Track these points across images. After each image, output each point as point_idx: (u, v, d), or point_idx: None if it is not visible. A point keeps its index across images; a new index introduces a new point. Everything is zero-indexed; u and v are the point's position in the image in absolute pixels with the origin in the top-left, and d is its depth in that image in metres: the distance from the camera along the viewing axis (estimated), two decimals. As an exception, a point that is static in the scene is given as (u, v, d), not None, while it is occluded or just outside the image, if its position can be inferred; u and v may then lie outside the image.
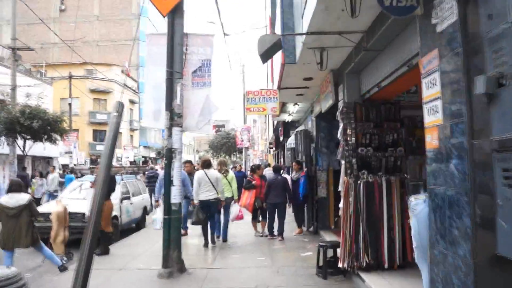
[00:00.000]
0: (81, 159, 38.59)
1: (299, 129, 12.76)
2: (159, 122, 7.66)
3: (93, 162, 45.05)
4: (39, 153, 29.41)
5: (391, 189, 6.69)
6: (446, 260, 3.43)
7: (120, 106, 4.05)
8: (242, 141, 27.51)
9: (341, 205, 6.96)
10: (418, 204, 4.00)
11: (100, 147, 46.45)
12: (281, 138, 21.71)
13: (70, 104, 34.84)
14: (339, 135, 7.22)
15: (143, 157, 55.77)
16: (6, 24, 51.67)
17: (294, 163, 11.44)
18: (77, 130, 44.25)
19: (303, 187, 10.87)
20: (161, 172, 10.88)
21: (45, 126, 22.40)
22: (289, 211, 11.94)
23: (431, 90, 3.76)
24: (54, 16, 53.74)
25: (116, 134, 3.89)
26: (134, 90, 53.20)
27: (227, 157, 46.24)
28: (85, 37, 53.35)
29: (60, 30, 52.80)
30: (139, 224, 13.81)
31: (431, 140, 3.73)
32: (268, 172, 12.22)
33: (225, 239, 10.22)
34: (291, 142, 15.13)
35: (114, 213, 10.30)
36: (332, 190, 11.32)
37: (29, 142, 23.12)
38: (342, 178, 7.02)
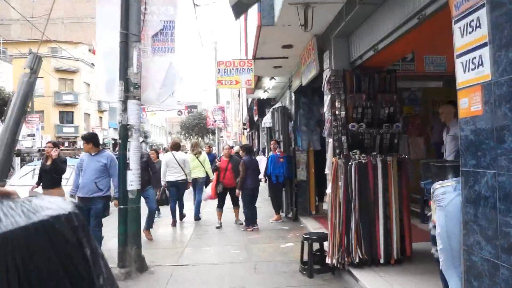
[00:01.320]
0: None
1: (276, 106, 11.66)
2: (113, 95, 6.45)
3: (60, 144, 43.11)
4: (-2, 136, 27.57)
5: (387, 171, 5.71)
6: (496, 273, 2.43)
7: (35, 60, 2.88)
8: (215, 121, 26.26)
9: (328, 190, 5.95)
10: (446, 193, 2.98)
11: (67, 129, 44.58)
12: (256, 118, 20.58)
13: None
14: (325, 109, 6.17)
15: (113, 139, 53.89)
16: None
17: (272, 142, 10.38)
18: (41, 112, 42.45)
19: (286, 169, 9.84)
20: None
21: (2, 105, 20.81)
22: (265, 195, 10.92)
23: (470, 36, 2.71)
24: (15, -10, 50.79)
25: (27, 97, 2.72)
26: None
27: (199, 138, 44.93)
28: (48, 14, 50.59)
29: (22, 6, 50.25)
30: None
31: (469, 106, 2.70)
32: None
33: (197, 218, 10.42)
34: (266, 120, 14.06)
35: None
36: (313, 172, 10.35)
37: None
38: (330, 159, 6.00)
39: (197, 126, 40.84)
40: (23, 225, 0.87)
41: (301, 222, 9.84)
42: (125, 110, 6.16)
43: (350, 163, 5.63)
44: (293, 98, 10.55)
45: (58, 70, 43.24)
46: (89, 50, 47.47)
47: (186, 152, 11.79)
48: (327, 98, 6.12)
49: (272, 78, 10.96)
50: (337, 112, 5.88)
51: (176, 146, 10.10)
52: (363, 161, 5.64)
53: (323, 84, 6.31)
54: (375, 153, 5.79)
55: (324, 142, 9.93)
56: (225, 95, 50.84)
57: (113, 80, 6.52)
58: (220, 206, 9.50)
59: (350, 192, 5.62)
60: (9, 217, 0.87)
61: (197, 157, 10.50)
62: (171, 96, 6.83)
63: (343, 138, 5.82)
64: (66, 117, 45.85)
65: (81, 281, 0.93)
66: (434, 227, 3.27)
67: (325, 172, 6.29)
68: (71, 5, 53.45)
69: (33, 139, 31.22)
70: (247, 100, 22.15)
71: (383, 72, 6.12)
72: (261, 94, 13.98)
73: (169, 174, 9.68)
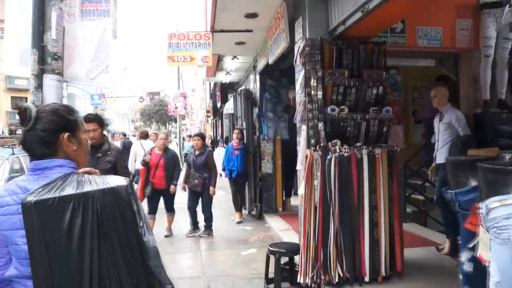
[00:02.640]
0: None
1: (239, 90, 10.35)
2: (28, 68, 5.01)
3: (12, 132, 40.54)
4: None
5: (375, 167, 4.55)
6: None
7: None
8: (176, 108, 24.66)
9: (300, 191, 4.74)
10: (510, 218, 1.79)
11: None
12: (219, 105, 19.17)
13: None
14: (297, 89, 4.93)
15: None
16: None
17: (236, 132, 9.07)
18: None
19: (239, 162, 8.55)
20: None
21: None
22: (226, 191, 9.64)
23: None
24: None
25: None
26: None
27: (161, 126, 43.14)
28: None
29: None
30: None
31: None
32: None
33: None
34: (229, 106, 12.73)
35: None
36: (279, 164, 9.15)
37: None
38: (303, 151, 4.77)
39: (158, 113, 38.95)
40: (100, 188, 1.51)
41: (266, 221, 8.65)
42: (39, 87, 4.72)
43: (329, 156, 4.43)
44: (257, 80, 9.28)
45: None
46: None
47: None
48: (299, 75, 4.88)
49: (234, 57, 9.64)
50: (312, 92, 4.65)
51: (144, 135, 10.93)
52: (345, 154, 4.45)
53: (294, 58, 5.06)
54: (359, 144, 4.61)
55: (293, 130, 8.73)
56: (190, 82, 49.11)
57: (28, 51, 5.09)
58: (152, 212, 7.27)
59: (328, 193, 4.43)
60: (93, 184, 1.52)
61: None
62: (104, 71, 5.44)
63: (320, 124, 4.60)
64: (20, 103, 43.06)
65: (129, 221, 1.55)
66: (471, 260, 2.10)
67: (297, 168, 5.07)
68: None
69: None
70: (210, 85, 20.74)
71: (370, 44, 4.92)
72: (223, 77, 12.63)
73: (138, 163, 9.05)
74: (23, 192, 1.56)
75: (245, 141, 9.07)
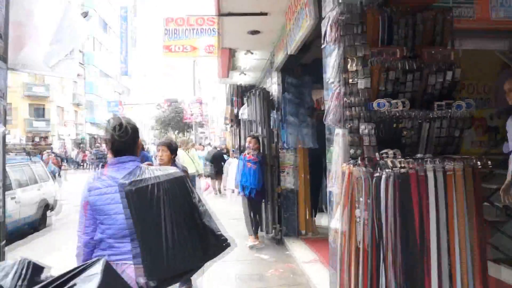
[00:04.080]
0: (16, 137, 33.84)
1: (254, 90, 8.90)
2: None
3: (30, 140, 39.99)
4: None
5: (447, 190, 3.03)
6: None
7: None
8: (192, 115, 23.42)
9: (335, 223, 3.27)
10: None
11: (38, 124, 41.42)
12: (236, 111, 17.72)
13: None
14: (328, 75, 3.46)
15: (89, 134, 50.76)
16: None
17: (249, 139, 7.65)
18: (9, 105, 39.39)
19: (254, 177, 7.11)
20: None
21: None
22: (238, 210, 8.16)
23: None
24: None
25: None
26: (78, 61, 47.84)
27: (180, 134, 42.01)
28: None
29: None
30: (36, 226, 9.89)
31: None
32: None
33: None
34: (244, 111, 11.28)
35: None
36: (303, 177, 7.68)
37: None
38: (337, 165, 3.30)
39: (174, 120, 37.75)
40: (165, 174, 2.48)
41: (287, 247, 7.18)
42: (-35, 76, 3.41)
43: (378, 174, 2.95)
44: (276, 78, 7.84)
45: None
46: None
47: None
48: (331, 57, 3.42)
49: (248, 52, 8.23)
50: (351, 80, 3.20)
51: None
52: (402, 171, 2.96)
53: (324, 32, 3.61)
54: (421, 155, 3.12)
55: (319, 137, 7.25)
56: (210, 90, 47.98)
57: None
58: None
59: (377, 228, 2.95)
60: (158, 171, 2.46)
61: (187, 153, 11.68)
62: (69, 57, 4.11)
63: (363, 127, 3.13)
64: (37, 111, 42.66)
65: (188, 199, 2.50)
66: None
67: (329, 189, 3.58)
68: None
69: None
70: (226, 89, 19.36)
71: (431, 11, 3.43)
72: (238, 78, 11.23)
73: None
74: (108, 179, 2.51)
75: (261, 151, 7.63)
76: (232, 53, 8.51)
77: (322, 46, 3.90)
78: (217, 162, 15.25)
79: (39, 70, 4.05)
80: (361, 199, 3.01)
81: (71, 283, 1.66)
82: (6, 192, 8.51)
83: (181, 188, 2.51)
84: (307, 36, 5.02)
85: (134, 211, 2.35)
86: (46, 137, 42.16)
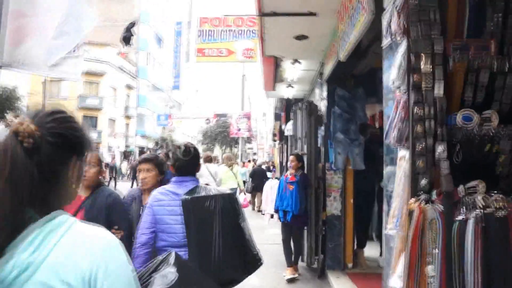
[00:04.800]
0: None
1: (300, 103, 8.06)
2: None
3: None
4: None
5: None
6: None
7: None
8: (239, 130, 22.81)
9: (395, 282, 2.36)
10: None
11: (91, 135, 42.23)
12: (283, 126, 16.92)
13: (44, 83, 30.61)
14: (393, 77, 2.58)
15: (138, 147, 51.34)
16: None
17: (291, 157, 6.84)
18: (65, 116, 40.56)
19: (294, 198, 6.25)
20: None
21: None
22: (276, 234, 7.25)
23: None
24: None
25: None
26: (131, 75, 49.09)
27: (227, 149, 41.64)
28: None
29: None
30: None
31: None
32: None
33: None
34: (289, 127, 10.45)
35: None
36: (351, 203, 6.74)
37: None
38: (401, 200, 2.41)
39: (220, 135, 37.32)
40: (220, 193, 2.87)
41: (329, 281, 6.23)
42: None
43: (461, 216, 2.05)
44: (324, 90, 6.99)
45: (84, 73, 41.22)
46: (117, 53, 45.47)
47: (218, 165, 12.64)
48: (398, 53, 2.54)
49: (295, 61, 7.43)
50: (424, 84, 2.32)
51: (208, 159, 10.95)
52: (498, 214, 2.03)
53: (386, 24, 2.76)
54: (524, 191, 2.18)
55: (370, 156, 6.35)
56: (261, 105, 47.55)
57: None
58: None
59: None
60: (213, 190, 2.89)
61: (231, 169, 11.47)
62: (72, 54, 3.46)
63: (440, 148, 2.23)
64: (90, 122, 43.67)
65: (234, 212, 2.85)
66: None
67: (386, 232, 2.65)
68: (105, 8, 52.11)
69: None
70: (275, 103, 18.64)
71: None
72: (285, 91, 10.44)
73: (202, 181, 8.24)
74: (172, 194, 2.87)
75: (305, 171, 6.77)
76: (277, 62, 7.73)
77: (383, 45, 3.05)
78: (257, 177, 15.00)
79: (40, 69, 3.40)
80: (435, 251, 2.11)
81: (150, 277, 1.76)
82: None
83: (231, 205, 2.87)
84: (363, 36, 4.17)
85: (192, 223, 2.71)
86: (97, 148, 42.98)
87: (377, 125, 8.10)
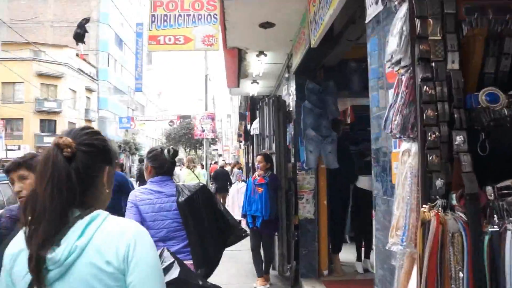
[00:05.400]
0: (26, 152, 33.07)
1: (267, 99, 7.49)
2: None
3: (40, 156, 39.10)
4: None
5: None
6: None
7: None
8: (203, 131, 22.11)
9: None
10: None
11: (48, 139, 40.46)
12: (249, 126, 16.34)
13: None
14: (391, 48, 2.05)
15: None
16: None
17: (259, 158, 6.27)
18: (20, 120, 38.92)
19: (264, 202, 5.70)
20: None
21: None
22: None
23: None
24: (5, -7, 48.22)
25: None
26: (91, 77, 47.58)
27: (192, 151, 40.77)
28: (38, 17, 47.90)
29: (11, 9, 47.23)
30: None
31: None
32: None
33: None
34: (255, 126, 9.90)
35: None
36: (325, 205, 6.23)
37: None
38: (407, 206, 1.88)
39: (184, 137, 36.44)
40: (197, 187, 3.20)
41: (304, 291, 5.71)
42: None
43: (496, 227, 1.53)
44: (293, 84, 6.46)
45: (41, 75, 39.61)
46: (77, 55, 43.92)
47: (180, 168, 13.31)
48: (397, 18, 2.00)
49: (261, 53, 6.87)
50: (433, 57, 1.79)
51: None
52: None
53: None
54: None
55: (345, 155, 5.89)
56: (224, 106, 46.88)
57: None
58: None
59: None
60: (192, 187, 3.21)
61: (193, 171, 11.51)
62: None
63: (462, 139, 1.71)
64: (48, 126, 41.98)
65: (214, 202, 3.34)
66: None
67: (389, 247, 2.11)
68: (62, 9, 50.40)
69: (-4, 148, 27.17)
70: (239, 102, 18.10)
71: None
72: (250, 88, 9.88)
73: None
74: (156, 192, 3.08)
75: (274, 172, 6.22)
76: (241, 55, 7.15)
77: (369, 17, 2.53)
78: (219, 179, 14.70)
79: None
80: (460, 274, 1.58)
81: None
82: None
83: (208, 195, 3.29)
84: (334, 21, 3.66)
85: (189, 221, 3.04)
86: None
87: (348, 120, 7.64)
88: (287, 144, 6.73)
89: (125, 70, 56.35)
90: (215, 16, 4.60)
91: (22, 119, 39.58)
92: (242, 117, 18.79)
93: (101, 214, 1.27)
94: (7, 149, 29.06)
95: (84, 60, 46.32)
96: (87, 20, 18.51)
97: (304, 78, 6.14)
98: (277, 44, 6.50)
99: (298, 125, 6.19)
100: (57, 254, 1.18)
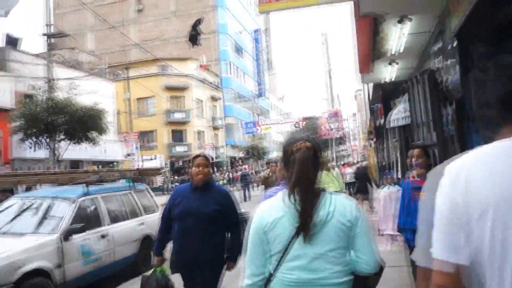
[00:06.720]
0: (161, 162, 34.93)
1: (417, 75, 5.88)
2: None
3: (173, 164, 41.06)
4: (94, 157, 25.41)
5: None
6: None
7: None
8: (331, 129, 20.68)
9: None
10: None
11: (179, 148, 42.55)
12: (381, 121, 14.45)
13: (129, 99, 30.91)
14: None
15: (230, 157, 50.76)
16: (89, 30, 50.92)
17: (416, 151, 4.61)
18: (154, 131, 41.23)
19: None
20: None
21: (74, 122, 18.10)
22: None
23: None
24: (133, 17, 52.12)
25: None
26: (215, 85, 49.12)
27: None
28: (163, 35, 51.02)
29: (139, 30, 50.99)
30: (135, 265, 7.90)
31: None
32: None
33: None
34: (397, 116, 8.22)
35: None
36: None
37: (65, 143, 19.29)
38: None
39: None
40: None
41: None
42: None
43: None
44: (452, 49, 4.85)
45: (168, 88, 41.81)
46: (200, 66, 45.65)
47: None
48: None
49: (403, 18, 5.36)
50: None
51: None
52: None
53: None
54: None
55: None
56: (348, 105, 44.94)
57: None
58: None
59: None
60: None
61: (329, 173, 10.93)
62: None
63: None
64: (178, 136, 44.05)
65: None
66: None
67: None
68: (183, 25, 52.99)
69: (133, 158, 28.92)
70: (369, 96, 16.39)
71: None
72: (384, 72, 8.28)
73: None
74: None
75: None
76: (376, 26, 5.71)
77: None
78: (360, 179, 14.20)
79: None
80: None
81: None
82: (95, 230, 6.87)
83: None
84: None
85: None
86: (189, 161, 43.01)
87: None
88: (445, 132, 5.13)
89: (247, 76, 57.32)
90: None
91: (154, 130, 41.89)
92: (372, 112, 17.03)
93: (330, 192, 2.07)
94: (143, 160, 30.72)
95: (207, 69, 47.93)
96: (199, 22, 18.43)
97: (468, 42, 4.53)
98: (424, 3, 4.97)
99: (462, 106, 4.59)
100: (320, 216, 1.95)
